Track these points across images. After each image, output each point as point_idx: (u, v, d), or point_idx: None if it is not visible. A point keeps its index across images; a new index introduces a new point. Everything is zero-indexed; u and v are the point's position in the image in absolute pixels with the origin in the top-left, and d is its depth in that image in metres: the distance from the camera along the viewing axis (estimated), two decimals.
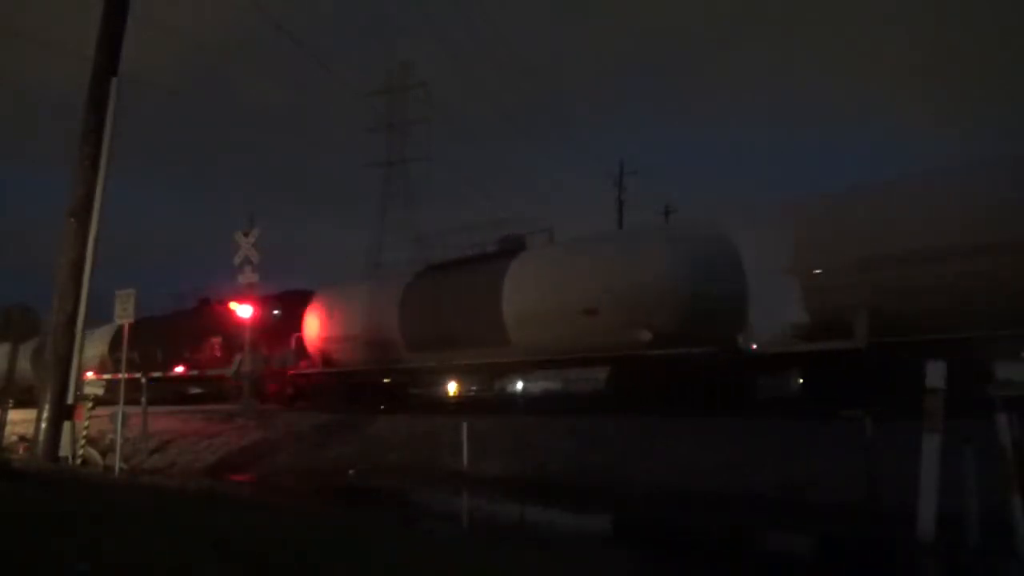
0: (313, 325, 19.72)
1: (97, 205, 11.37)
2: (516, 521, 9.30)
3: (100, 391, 13.20)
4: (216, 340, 22.60)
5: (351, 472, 11.71)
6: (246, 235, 16.35)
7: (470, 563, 4.91)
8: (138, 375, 23.07)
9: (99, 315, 14.71)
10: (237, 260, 16.39)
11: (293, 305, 20.94)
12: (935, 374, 5.78)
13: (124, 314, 12.17)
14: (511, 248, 16.75)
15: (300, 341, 20.16)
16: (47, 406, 11.02)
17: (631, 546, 7.77)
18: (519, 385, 28.17)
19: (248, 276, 16.45)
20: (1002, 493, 5.36)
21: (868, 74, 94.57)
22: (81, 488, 8.24)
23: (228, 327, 21.10)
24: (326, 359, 19.43)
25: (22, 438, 13.10)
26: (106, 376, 23.26)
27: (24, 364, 21.85)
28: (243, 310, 18.46)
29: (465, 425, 11.35)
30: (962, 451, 5.69)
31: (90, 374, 21.28)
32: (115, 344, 25.83)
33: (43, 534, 4.48)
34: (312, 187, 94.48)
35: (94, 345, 26.51)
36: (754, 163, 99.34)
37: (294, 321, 20.49)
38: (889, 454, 6.94)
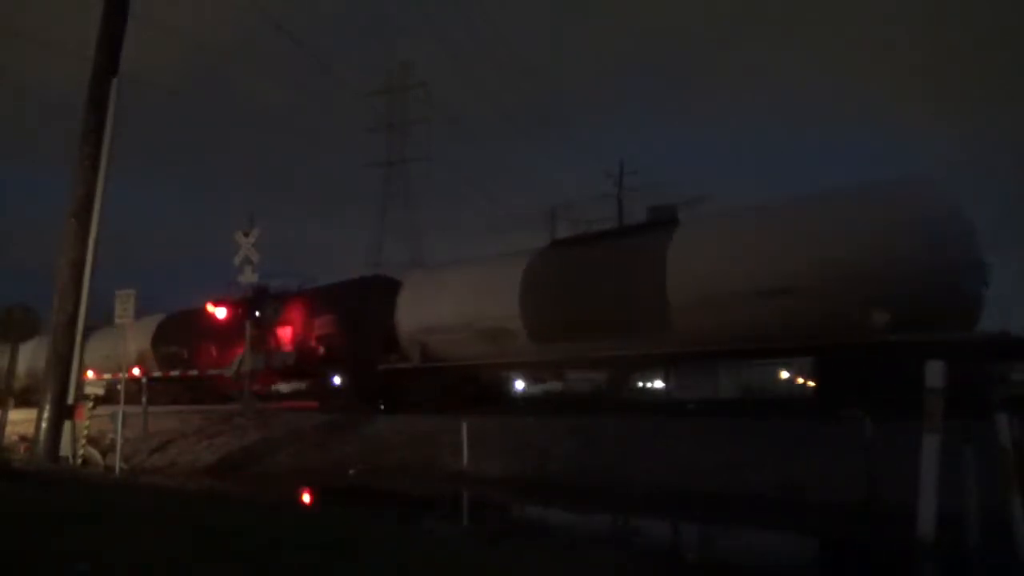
0: (408, 314, 17.52)
1: (97, 205, 11.37)
2: (516, 521, 9.30)
3: (100, 391, 13.19)
4: (286, 331, 20.46)
5: (351, 472, 11.71)
6: (246, 235, 16.34)
7: (470, 563, 4.91)
8: (192, 372, 22.66)
9: (98, 315, 14.67)
10: (237, 260, 16.37)
11: (372, 292, 19.13)
12: (935, 374, 5.78)
13: (124, 314, 12.17)
14: (663, 219, 14.55)
15: (391, 331, 17.93)
16: (48, 406, 11.02)
17: (631, 546, 7.77)
18: (519, 386, 27.15)
19: (248, 276, 16.43)
20: (1002, 493, 5.36)
21: (869, 74, 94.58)
22: (81, 488, 8.24)
23: (296, 318, 20.15)
24: (424, 352, 17.12)
25: (23, 438, 13.10)
26: (155, 374, 22.55)
27: (24, 364, 21.74)
28: (219, 311, 18.73)
29: (465, 425, 11.35)
30: (962, 451, 5.69)
31: (90, 374, 21.27)
32: (162, 337, 24.63)
33: (43, 534, 4.48)
34: (312, 187, 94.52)
35: (132, 339, 25.70)
36: (754, 163, 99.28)
37: (374, 309, 18.35)
38: (889, 454, 6.95)
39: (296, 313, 20.57)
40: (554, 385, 26.62)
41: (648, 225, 14.96)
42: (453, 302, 16.59)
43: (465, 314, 16.12)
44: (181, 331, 24.28)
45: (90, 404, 12.16)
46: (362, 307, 18.96)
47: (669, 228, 13.85)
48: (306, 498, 10.77)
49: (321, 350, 19.38)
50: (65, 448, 11.18)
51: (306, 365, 20.07)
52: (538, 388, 26.70)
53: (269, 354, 20.33)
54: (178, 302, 28.54)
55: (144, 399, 14.10)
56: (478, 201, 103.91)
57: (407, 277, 19.31)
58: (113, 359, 24.75)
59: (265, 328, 20.22)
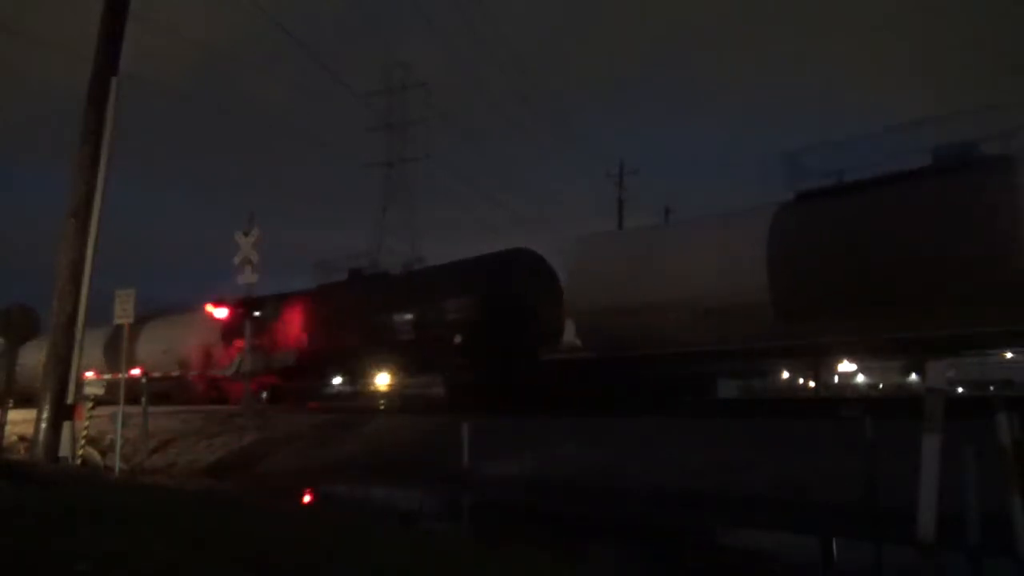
0: (583, 293, 14.56)
1: (97, 205, 11.36)
2: (516, 521, 9.30)
3: (100, 391, 13.19)
4: (402, 317, 18.28)
5: (351, 472, 11.70)
6: (246, 235, 16.32)
7: (470, 563, 4.91)
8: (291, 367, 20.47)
9: (97, 316, 14.65)
10: (237, 260, 16.36)
11: (517, 269, 16.90)
12: (935, 374, 5.78)
13: (124, 314, 12.17)
14: (966, 159, 11.40)
15: (549, 315, 15.55)
16: (47, 406, 11.01)
17: (631, 546, 7.77)
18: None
19: (248, 276, 16.42)
20: (1002, 493, 5.35)
21: (870, 73, 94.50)
22: (81, 488, 8.22)
23: (414, 301, 18.05)
24: (606, 338, 14.05)
25: (22, 438, 13.09)
26: (238, 367, 20.42)
27: (25, 364, 21.65)
28: (219, 312, 18.26)
29: (465, 425, 11.34)
30: (962, 451, 5.69)
31: (90, 374, 21.25)
32: (235, 329, 22.54)
33: (43, 534, 4.47)
34: (312, 187, 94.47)
35: (188, 334, 23.94)
36: (753, 163, 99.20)
37: (522, 289, 16.18)
38: (889, 454, 6.94)
39: (412, 296, 18.38)
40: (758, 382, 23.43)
41: (971, 162, 11.35)
42: (660, 275, 13.46)
43: (680, 289, 13.02)
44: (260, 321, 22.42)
45: (89, 404, 12.16)
46: (504, 287, 16.36)
47: (1000, 166, 10.85)
48: (306, 498, 10.77)
49: (456, 339, 16.53)
50: (65, 448, 11.18)
51: (433, 357, 17.40)
52: (733, 386, 22.97)
53: (373, 342, 18.33)
54: (178, 302, 28.53)
55: (144, 399, 14.09)
56: (478, 201, 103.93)
57: (579, 249, 15.81)
58: (172, 354, 24.04)
59: (372, 313, 18.49)
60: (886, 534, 6.90)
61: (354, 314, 19.69)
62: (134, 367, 25.06)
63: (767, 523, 8.06)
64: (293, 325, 21.15)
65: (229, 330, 21.80)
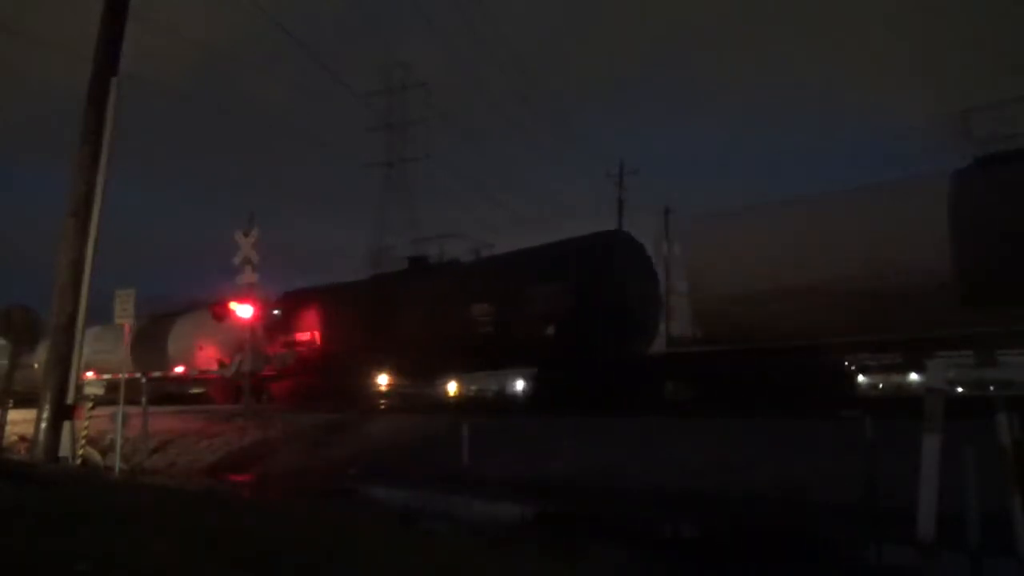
0: (708, 275, 13.04)
1: (97, 205, 11.37)
2: (516, 521, 9.30)
3: (100, 391, 13.20)
4: (485, 308, 16.53)
5: (351, 472, 11.70)
6: (246, 235, 16.33)
7: (470, 563, 4.91)
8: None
9: (97, 316, 14.65)
10: (237, 260, 16.37)
11: (618, 253, 15.26)
12: (936, 374, 5.77)
13: (124, 314, 12.18)
14: None
15: (649, 302, 14.42)
16: (47, 406, 11.02)
17: (631, 546, 7.77)
18: (519, 385, 27.40)
19: (248, 276, 16.42)
20: (1002, 493, 5.35)
21: (870, 74, 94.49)
22: (81, 488, 8.23)
23: (498, 287, 16.37)
24: (734, 328, 12.39)
25: (22, 438, 13.10)
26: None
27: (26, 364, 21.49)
28: (243, 310, 17.93)
29: (465, 425, 11.34)
30: (962, 451, 5.69)
31: (90, 374, 21.22)
32: (281, 323, 21.09)
33: (43, 534, 4.48)
34: (312, 187, 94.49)
35: (222, 328, 22.10)
36: (753, 163, 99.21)
37: (623, 275, 14.57)
38: (889, 454, 6.94)
39: (492, 285, 16.68)
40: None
41: None
42: (799, 256, 11.91)
43: (823, 271, 11.47)
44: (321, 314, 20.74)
45: (89, 404, 12.16)
46: (601, 273, 14.65)
47: None
48: (306, 498, 10.76)
49: (548, 331, 14.95)
50: (65, 448, 11.19)
51: (517, 352, 15.94)
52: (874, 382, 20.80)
53: (443, 336, 16.66)
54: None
55: (144, 399, 14.09)
56: (478, 201, 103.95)
57: (701, 230, 14.17)
58: (230, 345, 22.50)
59: (441, 304, 16.94)
60: (886, 534, 6.90)
61: (418, 306, 17.91)
62: (176, 365, 24.77)
63: (767, 523, 8.06)
64: (338, 319, 19.75)
65: (275, 324, 21.09)
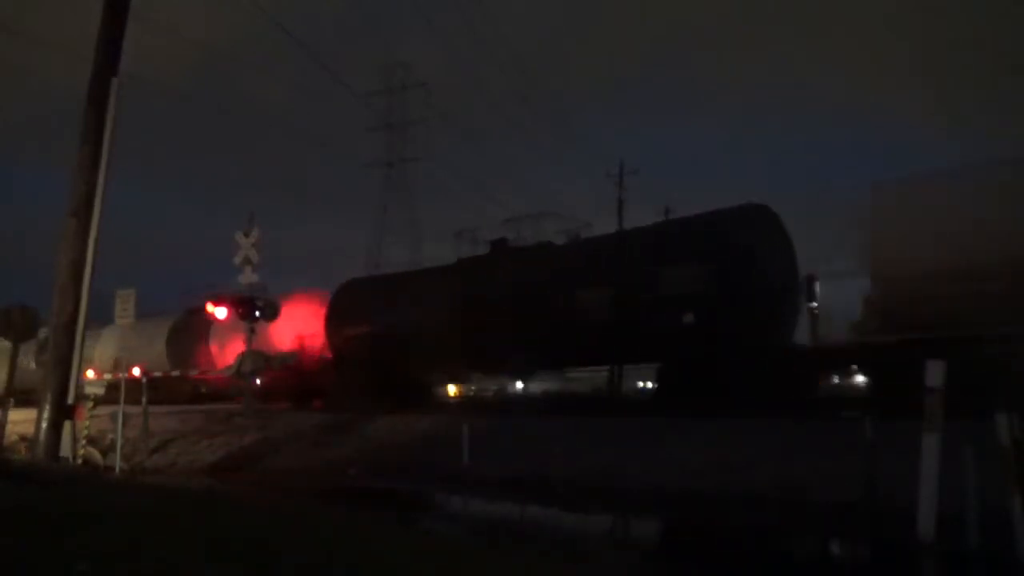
0: (894, 251, 11.31)
1: (97, 205, 11.36)
2: (516, 521, 9.30)
3: (101, 391, 13.20)
4: (600, 294, 14.76)
5: (351, 472, 11.70)
6: (246, 235, 16.33)
7: (469, 563, 4.91)
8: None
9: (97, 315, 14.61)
10: (237, 260, 16.38)
11: (764, 227, 13.48)
12: (935, 374, 5.78)
13: (124, 314, 12.18)
14: None
15: (795, 288, 12.76)
16: (47, 406, 11.01)
17: (631, 546, 7.77)
18: (519, 385, 26.83)
19: (248, 276, 16.43)
20: (1002, 493, 5.36)
21: (870, 74, 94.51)
22: (81, 488, 8.23)
23: (617, 269, 14.44)
24: (930, 311, 10.45)
25: (23, 438, 13.10)
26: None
27: (26, 364, 21.21)
28: (219, 311, 17.67)
29: (465, 425, 11.35)
30: (962, 451, 5.69)
31: (90, 374, 21.16)
32: (353, 310, 19.14)
33: (43, 534, 4.48)
34: (312, 187, 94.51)
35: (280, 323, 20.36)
36: (754, 163, 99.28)
37: (771, 252, 12.94)
38: (889, 454, 6.95)
39: (608, 267, 14.88)
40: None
41: None
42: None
43: None
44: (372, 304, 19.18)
45: (90, 404, 12.17)
46: (746, 252, 12.89)
47: None
48: (306, 498, 10.77)
49: (686, 319, 13.22)
50: (65, 448, 11.18)
51: (643, 342, 13.97)
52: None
53: (543, 326, 14.85)
54: (177, 302, 28.27)
55: (144, 399, 14.10)
56: (478, 201, 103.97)
57: (881, 195, 11.99)
58: (264, 345, 20.69)
59: (542, 290, 15.16)
60: (886, 534, 6.90)
61: (505, 294, 16.00)
62: (222, 361, 23.26)
63: (767, 523, 8.07)
64: (406, 311, 18.10)
65: (335, 316, 19.69)
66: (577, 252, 16.74)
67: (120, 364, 22.93)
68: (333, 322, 19.75)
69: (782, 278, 13.28)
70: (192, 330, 24.71)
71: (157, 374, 23.10)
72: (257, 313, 16.82)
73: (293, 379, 19.45)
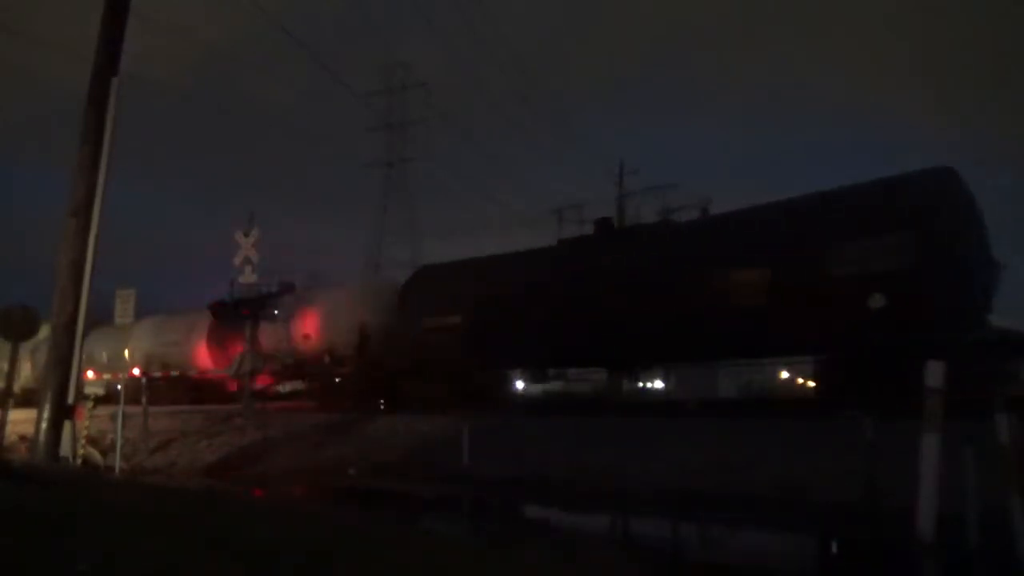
0: None
1: (97, 205, 11.36)
2: (516, 521, 9.30)
3: (101, 391, 13.22)
4: (755, 274, 12.69)
5: (351, 472, 11.70)
6: (246, 235, 16.33)
7: (469, 563, 4.91)
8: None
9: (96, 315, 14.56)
10: (237, 260, 16.38)
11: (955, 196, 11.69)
12: (935, 374, 5.77)
13: (124, 314, 12.19)
14: None
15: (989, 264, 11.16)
16: (47, 406, 11.01)
17: (631, 546, 7.77)
18: (519, 385, 26.48)
19: (248, 276, 16.43)
20: (1002, 493, 5.35)
21: (870, 73, 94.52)
22: (81, 488, 8.23)
23: (775, 244, 12.78)
24: None
25: (23, 438, 13.10)
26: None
27: (25, 364, 21.01)
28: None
29: (465, 425, 11.35)
30: (962, 451, 5.69)
31: (90, 374, 21.11)
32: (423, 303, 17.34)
33: (43, 534, 4.48)
34: (312, 187, 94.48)
35: (344, 311, 19.12)
36: (754, 163, 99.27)
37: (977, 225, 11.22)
38: (889, 454, 6.94)
39: (763, 242, 12.94)
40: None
41: None
42: None
43: None
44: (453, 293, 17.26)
45: (90, 404, 12.17)
46: (949, 223, 11.23)
47: None
48: (306, 498, 10.77)
49: (875, 301, 11.06)
50: (65, 448, 11.19)
51: (813, 328, 11.90)
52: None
53: (672, 312, 13.20)
54: (177, 302, 28.18)
55: (144, 399, 14.10)
56: (478, 201, 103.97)
57: None
58: (327, 338, 19.20)
59: (671, 271, 13.56)
60: (886, 534, 6.90)
61: (621, 278, 14.33)
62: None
63: (767, 523, 8.07)
64: (492, 299, 16.28)
65: (407, 306, 18.02)
66: (712, 229, 14.63)
67: (152, 361, 22.56)
68: (405, 314, 17.93)
69: (983, 252, 11.70)
70: (238, 324, 22.89)
71: (174, 373, 23.00)
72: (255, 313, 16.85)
73: (360, 379, 17.82)
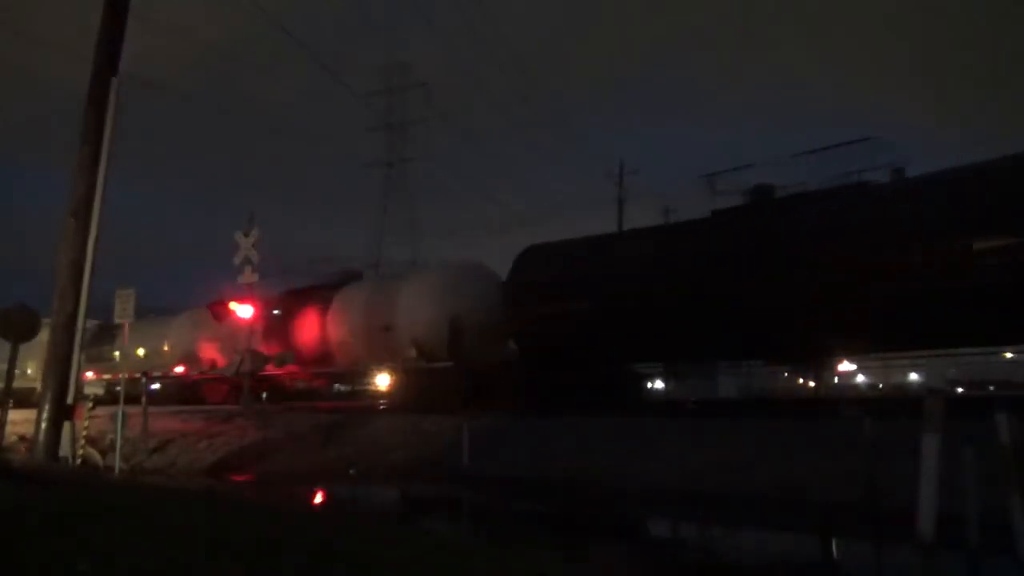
0: None
1: (97, 205, 11.36)
2: (516, 521, 9.30)
3: (100, 391, 13.21)
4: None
5: (351, 472, 11.70)
6: (246, 235, 16.34)
7: (469, 562, 4.91)
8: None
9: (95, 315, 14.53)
10: (237, 260, 16.38)
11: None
12: (935, 374, 5.78)
13: (124, 314, 12.19)
14: None
15: None
16: (47, 406, 11.01)
17: (631, 546, 7.77)
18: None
19: (248, 276, 16.43)
20: (1002, 493, 5.35)
21: (870, 74, 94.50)
22: (81, 488, 8.23)
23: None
24: None
25: (22, 438, 13.09)
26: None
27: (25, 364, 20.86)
28: (243, 310, 17.54)
29: (465, 425, 11.35)
30: (962, 451, 5.69)
31: (90, 374, 21.06)
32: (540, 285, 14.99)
33: (43, 534, 4.48)
34: (312, 187, 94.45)
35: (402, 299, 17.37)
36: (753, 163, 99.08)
37: None
38: (889, 454, 6.95)
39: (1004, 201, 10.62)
40: None
41: None
42: None
43: None
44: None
45: (89, 404, 12.16)
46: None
47: None
48: (306, 498, 10.77)
49: None
50: (65, 448, 11.18)
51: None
52: None
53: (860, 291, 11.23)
54: (177, 302, 28.05)
55: (144, 399, 14.09)
56: (478, 201, 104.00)
57: None
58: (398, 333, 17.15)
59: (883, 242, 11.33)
60: (886, 534, 6.90)
61: (796, 253, 12.21)
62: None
63: (767, 523, 8.07)
64: (628, 281, 14.13)
65: (517, 292, 15.84)
66: (925, 192, 12.01)
67: (193, 358, 21.98)
68: (514, 300, 15.80)
69: None
70: (292, 314, 20.60)
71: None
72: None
73: (451, 378, 15.80)
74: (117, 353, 23.76)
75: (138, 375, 17.76)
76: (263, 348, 20.14)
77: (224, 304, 18.34)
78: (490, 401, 13.99)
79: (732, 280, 12.80)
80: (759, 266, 12.60)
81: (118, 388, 13.19)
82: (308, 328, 20.05)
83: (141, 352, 24.01)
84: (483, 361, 15.84)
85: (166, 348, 23.71)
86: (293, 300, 20.92)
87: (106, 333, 24.09)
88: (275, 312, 20.25)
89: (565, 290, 14.80)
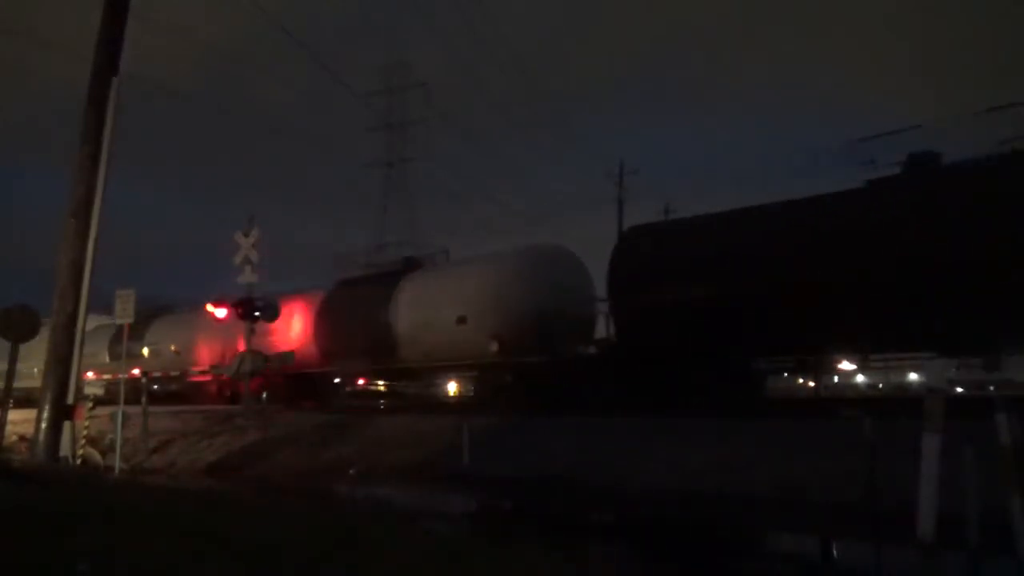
0: None
1: (97, 205, 11.36)
2: (516, 521, 9.30)
3: (100, 391, 13.22)
4: None
5: (351, 472, 11.70)
6: (246, 235, 16.33)
7: (469, 562, 4.91)
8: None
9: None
10: (237, 260, 16.37)
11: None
12: (935, 374, 5.78)
13: (124, 314, 12.19)
14: None
15: None
16: (47, 406, 11.01)
17: (631, 546, 7.77)
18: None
19: (248, 276, 16.42)
20: (1002, 493, 5.35)
21: (870, 73, 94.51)
22: (81, 488, 8.23)
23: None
24: None
25: (22, 438, 13.10)
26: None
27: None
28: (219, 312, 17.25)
29: (465, 425, 11.35)
30: (962, 451, 5.68)
31: (90, 374, 21.05)
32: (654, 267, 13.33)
33: (43, 534, 4.47)
34: (312, 187, 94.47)
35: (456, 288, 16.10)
36: (753, 163, 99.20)
37: None
38: (889, 454, 6.94)
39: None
40: None
41: None
42: None
43: None
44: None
45: (89, 404, 12.16)
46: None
47: None
48: (306, 498, 10.76)
49: None
50: (65, 448, 11.18)
51: None
52: None
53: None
54: (178, 302, 28.03)
55: (144, 399, 14.09)
56: (478, 201, 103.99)
57: None
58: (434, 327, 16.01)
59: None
60: (886, 534, 6.90)
61: (977, 230, 10.59)
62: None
63: (767, 523, 8.07)
64: (746, 262, 12.58)
65: (623, 278, 14.44)
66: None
67: (241, 358, 21.38)
68: (620, 286, 14.33)
69: None
70: (343, 308, 19.29)
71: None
72: (257, 313, 16.76)
73: (548, 377, 14.36)
74: (146, 349, 23.95)
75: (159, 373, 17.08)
76: (314, 346, 19.00)
77: (244, 303, 17.75)
78: (585, 400, 12.96)
79: (879, 262, 11.14)
80: (917, 245, 10.86)
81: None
82: (365, 322, 18.54)
83: (171, 347, 24.06)
84: (577, 356, 14.39)
85: (198, 343, 23.52)
86: (347, 292, 19.16)
87: (135, 329, 23.90)
88: (326, 305, 18.83)
89: (687, 275, 13.03)
